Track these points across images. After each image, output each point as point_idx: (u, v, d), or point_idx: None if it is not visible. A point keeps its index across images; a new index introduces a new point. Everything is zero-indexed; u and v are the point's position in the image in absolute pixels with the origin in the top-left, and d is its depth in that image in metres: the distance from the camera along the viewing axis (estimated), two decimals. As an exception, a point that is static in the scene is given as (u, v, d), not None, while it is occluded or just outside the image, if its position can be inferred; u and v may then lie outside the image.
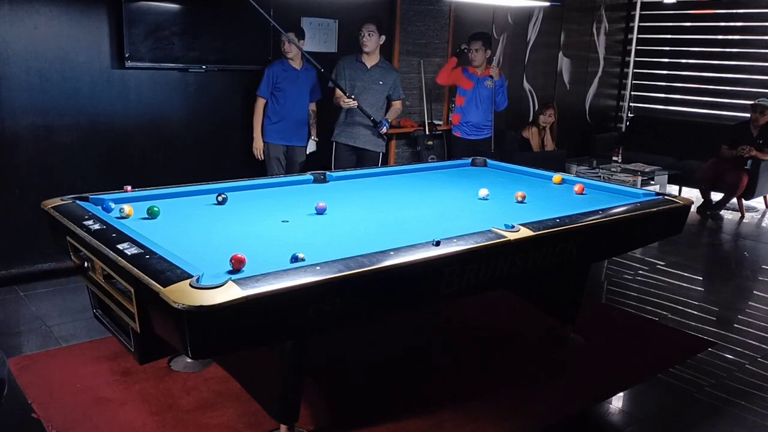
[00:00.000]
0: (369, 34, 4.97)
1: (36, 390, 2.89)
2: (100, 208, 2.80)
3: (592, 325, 3.77)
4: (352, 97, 4.90)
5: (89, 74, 4.45)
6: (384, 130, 5.10)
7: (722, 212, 6.84)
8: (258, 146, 5.01)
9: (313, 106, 5.16)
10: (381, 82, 5.10)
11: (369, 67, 5.09)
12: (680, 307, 4.25)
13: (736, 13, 7.76)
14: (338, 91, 5.00)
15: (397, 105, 5.35)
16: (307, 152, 5.21)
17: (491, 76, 5.56)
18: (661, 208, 3.35)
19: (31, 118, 4.27)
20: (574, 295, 3.53)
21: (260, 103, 4.96)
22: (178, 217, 2.85)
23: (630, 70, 8.54)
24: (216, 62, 4.93)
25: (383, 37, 5.08)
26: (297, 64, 4.96)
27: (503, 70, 6.09)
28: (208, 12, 4.84)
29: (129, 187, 3.12)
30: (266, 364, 2.46)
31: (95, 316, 2.90)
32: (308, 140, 5.19)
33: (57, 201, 2.85)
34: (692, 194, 6.89)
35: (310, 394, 2.85)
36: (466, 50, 5.64)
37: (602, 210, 3.12)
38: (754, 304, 4.48)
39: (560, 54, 7.74)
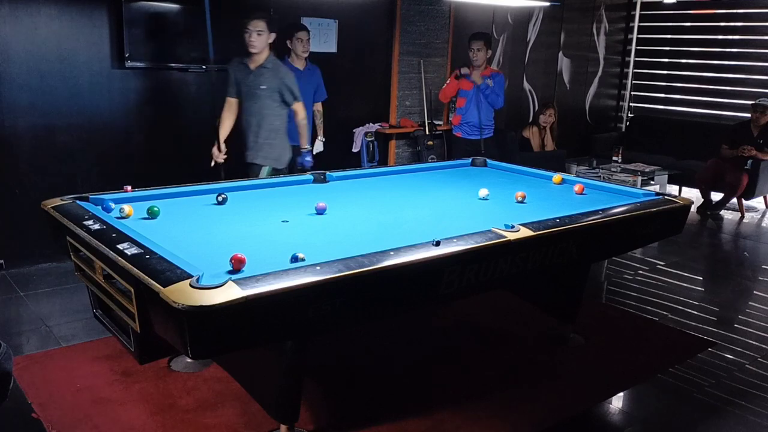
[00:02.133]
0: (258, 34, 4.17)
1: (36, 390, 2.89)
2: (100, 208, 2.80)
3: (592, 325, 3.77)
4: (222, 150, 4.29)
5: (89, 74, 4.46)
6: (307, 164, 4.45)
7: (722, 212, 6.84)
8: None
9: (318, 107, 5.16)
10: (264, 87, 4.27)
11: (252, 68, 4.30)
12: (680, 307, 4.25)
13: (736, 13, 7.76)
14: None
15: (296, 111, 4.48)
16: (315, 152, 5.21)
17: (490, 76, 5.56)
18: (661, 208, 3.34)
19: (31, 118, 4.28)
20: (574, 295, 3.52)
21: None
22: (178, 217, 2.85)
23: (630, 70, 8.54)
24: (216, 62, 4.91)
25: (273, 35, 4.29)
26: (299, 64, 4.95)
27: (501, 70, 6.09)
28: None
29: (129, 187, 3.13)
30: (266, 364, 2.46)
31: (95, 316, 2.90)
32: (314, 141, 5.20)
33: (57, 201, 2.85)
34: (692, 194, 6.89)
35: (310, 394, 2.85)
36: (465, 75, 5.58)
37: (602, 210, 3.12)
38: (754, 304, 4.48)
39: (560, 54, 7.74)
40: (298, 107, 4.45)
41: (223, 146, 4.32)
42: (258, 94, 4.30)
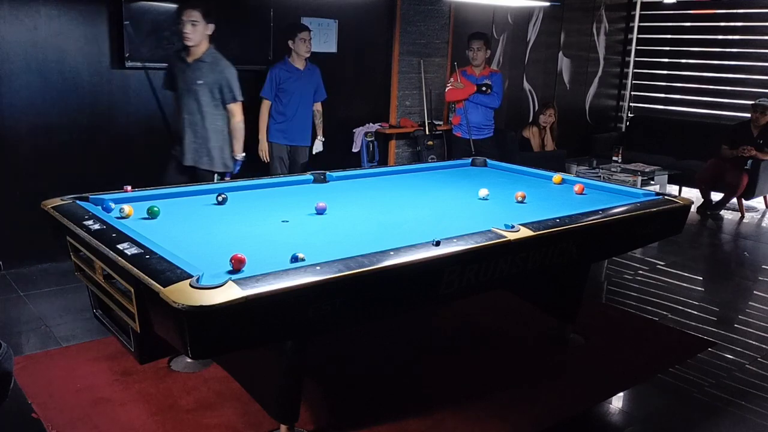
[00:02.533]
0: (192, 24, 3.90)
1: (36, 390, 2.89)
2: (100, 208, 2.80)
3: (592, 325, 3.77)
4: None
5: (89, 74, 4.45)
6: (227, 176, 4.14)
7: (722, 212, 6.84)
8: (263, 148, 5.00)
9: (318, 106, 5.16)
10: (200, 82, 3.99)
11: (190, 62, 4.03)
12: (680, 307, 4.25)
13: (736, 13, 7.76)
14: None
15: (233, 113, 4.14)
16: (314, 152, 5.22)
17: (488, 76, 5.57)
18: (661, 208, 3.35)
19: (31, 117, 4.27)
20: (574, 295, 3.52)
21: (265, 105, 4.96)
22: (178, 217, 2.85)
23: (630, 70, 8.54)
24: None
25: (211, 26, 4.02)
26: (299, 64, 4.96)
27: (500, 69, 6.09)
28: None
29: (129, 187, 3.13)
30: (266, 364, 2.46)
31: (95, 316, 2.90)
32: (314, 140, 5.20)
33: (57, 201, 2.85)
34: (692, 194, 6.89)
35: (310, 394, 2.85)
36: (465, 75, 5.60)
37: (602, 210, 3.12)
38: (754, 304, 4.48)
39: (560, 54, 7.74)
40: (236, 108, 4.11)
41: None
42: (195, 90, 4.01)
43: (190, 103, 4.04)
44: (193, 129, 4.05)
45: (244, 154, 4.22)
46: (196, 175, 4.11)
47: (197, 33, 3.93)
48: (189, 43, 3.95)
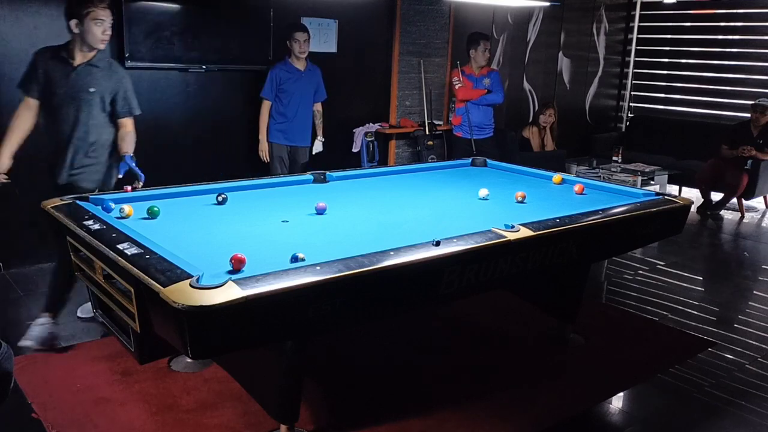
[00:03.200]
0: (96, 23, 3.24)
1: (36, 390, 2.89)
2: (100, 208, 2.80)
3: (592, 325, 3.77)
4: (6, 167, 3.33)
5: (89, 74, 4.44)
6: (122, 171, 3.38)
7: (722, 212, 6.84)
8: (263, 148, 5.01)
9: (318, 107, 5.16)
10: (92, 89, 3.34)
11: (76, 66, 3.33)
12: (680, 307, 4.25)
13: (736, 13, 7.76)
14: None
15: (125, 125, 3.47)
16: (314, 152, 5.22)
17: (487, 75, 5.59)
18: (661, 208, 3.34)
19: (31, 118, 4.26)
20: (574, 295, 3.52)
21: (265, 105, 4.96)
22: (178, 217, 2.85)
23: (630, 70, 8.54)
24: (216, 62, 4.93)
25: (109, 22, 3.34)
26: (300, 64, 4.96)
27: (497, 68, 6.11)
28: (208, 12, 4.84)
29: (129, 188, 3.12)
30: (266, 364, 2.46)
31: (95, 316, 2.90)
32: (314, 141, 5.20)
33: (57, 201, 2.86)
34: (692, 194, 6.89)
35: (310, 394, 2.85)
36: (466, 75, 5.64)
37: (602, 210, 3.12)
38: (754, 304, 4.48)
39: (560, 54, 7.74)
40: (129, 122, 3.48)
41: (6, 162, 3.32)
42: (84, 98, 3.33)
43: (73, 113, 3.33)
44: (75, 144, 3.36)
45: (132, 154, 3.42)
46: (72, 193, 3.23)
47: (99, 32, 3.26)
48: (100, 46, 3.32)
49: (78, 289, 3.38)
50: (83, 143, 3.38)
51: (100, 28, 3.26)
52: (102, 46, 3.33)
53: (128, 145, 3.44)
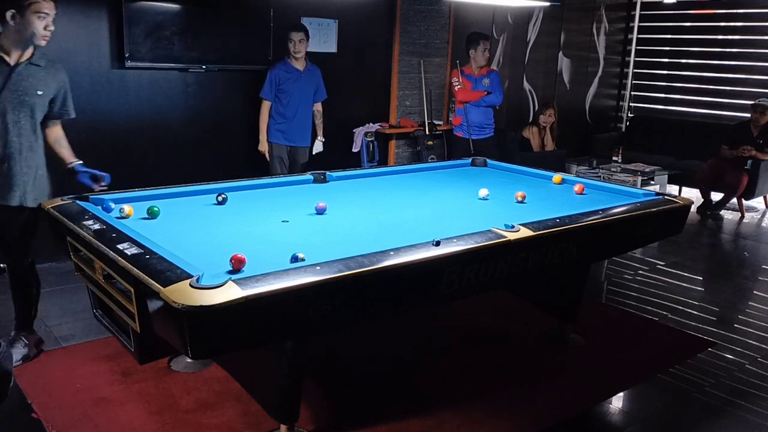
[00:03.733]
0: (39, 17, 2.88)
1: (36, 390, 2.89)
2: (100, 208, 2.80)
3: (592, 325, 3.77)
4: None
5: (89, 74, 4.45)
6: (86, 183, 3.10)
7: (722, 212, 6.84)
8: (263, 148, 5.01)
9: (318, 107, 5.16)
10: (40, 92, 2.99)
11: (13, 65, 2.94)
12: (680, 307, 4.25)
13: (736, 13, 7.75)
14: None
15: (57, 128, 3.17)
16: (314, 152, 5.22)
17: (486, 75, 5.59)
18: (661, 208, 3.35)
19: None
20: (574, 295, 3.52)
21: (265, 105, 4.96)
22: (178, 217, 2.85)
23: (630, 70, 8.54)
24: (216, 62, 4.93)
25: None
26: (299, 65, 4.96)
27: (497, 68, 6.11)
28: (208, 12, 4.84)
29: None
30: (266, 364, 2.46)
31: (95, 316, 2.90)
32: (314, 141, 5.20)
33: (57, 201, 2.86)
34: (692, 194, 6.89)
35: (310, 394, 2.85)
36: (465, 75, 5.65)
37: (602, 210, 3.12)
38: (754, 304, 4.48)
39: (560, 54, 7.74)
40: (58, 128, 3.16)
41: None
42: (30, 102, 2.95)
43: (17, 120, 2.93)
44: (24, 155, 2.98)
45: (81, 161, 3.17)
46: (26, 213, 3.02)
47: (44, 25, 2.90)
48: (44, 43, 2.96)
49: (78, 289, 3.38)
50: (27, 153, 2.99)
51: (43, 22, 2.88)
52: (44, 43, 2.93)
53: (68, 151, 3.14)
